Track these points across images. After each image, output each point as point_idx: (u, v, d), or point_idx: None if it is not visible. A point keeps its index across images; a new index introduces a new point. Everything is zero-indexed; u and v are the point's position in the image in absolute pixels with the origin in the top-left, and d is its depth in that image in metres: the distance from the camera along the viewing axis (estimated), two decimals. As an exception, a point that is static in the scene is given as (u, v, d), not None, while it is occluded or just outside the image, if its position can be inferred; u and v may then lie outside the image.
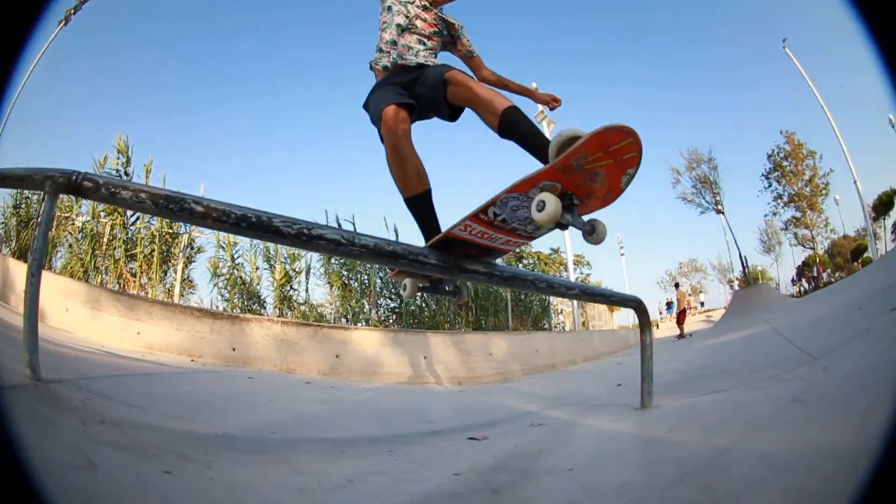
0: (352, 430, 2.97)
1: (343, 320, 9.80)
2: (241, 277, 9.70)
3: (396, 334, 7.85)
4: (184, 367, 5.27)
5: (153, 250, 9.24)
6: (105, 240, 8.96)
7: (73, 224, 9.14)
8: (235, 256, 9.93)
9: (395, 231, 11.13)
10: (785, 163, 36.04)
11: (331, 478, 1.78)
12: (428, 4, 3.02)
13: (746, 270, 27.49)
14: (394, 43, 2.85)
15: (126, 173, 9.77)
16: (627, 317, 37.60)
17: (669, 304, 12.45)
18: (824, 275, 33.76)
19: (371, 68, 2.99)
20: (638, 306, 3.55)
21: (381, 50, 2.91)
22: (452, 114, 2.72)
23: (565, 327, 14.24)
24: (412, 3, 2.97)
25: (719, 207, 29.84)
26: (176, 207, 1.61)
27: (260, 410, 3.35)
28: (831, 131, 24.31)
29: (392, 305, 10.58)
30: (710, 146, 37.48)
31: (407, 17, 2.90)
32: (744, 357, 5.93)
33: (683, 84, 68.55)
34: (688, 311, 21.71)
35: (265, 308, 9.74)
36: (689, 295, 45.90)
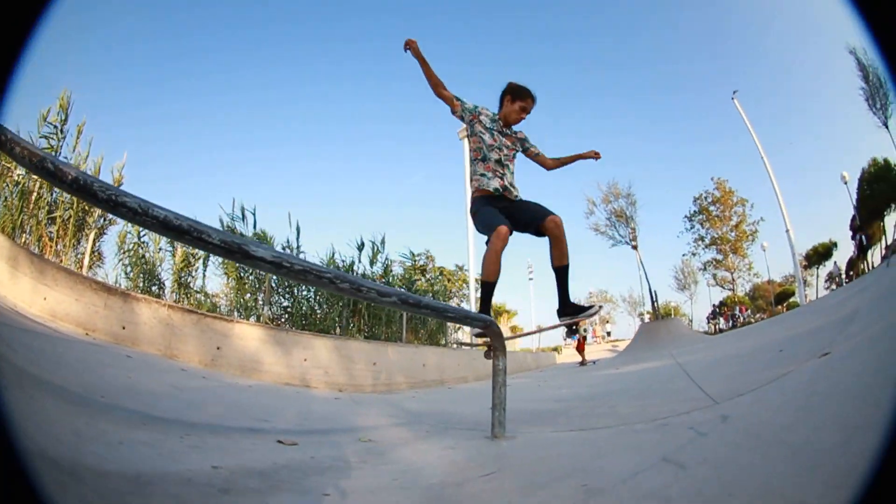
0: (177, 415, 3.00)
1: (235, 313, 9.40)
2: (144, 256, 9.22)
3: (279, 333, 7.51)
4: (71, 337, 5.21)
5: (71, 216, 8.85)
6: (33, 198, 8.60)
7: (12, 177, 8.66)
8: (142, 233, 9.66)
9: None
10: (712, 207, 37.77)
11: (99, 441, 1.89)
12: (505, 130, 4.06)
13: (656, 305, 28.41)
14: (497, 174, 3.90)
15: (62, 131, 9.45)
16: (532, 340, 38.46)
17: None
18: (744, 314, 35.24)
19: (471, 178, 4.01)
20: (488, 327, 3.31)
21: (485, 175, 3.89)
22: (538, 234, 3.79)
23: (461, 345, 14.20)
24: (497, 132, 4.00)
25: (634, 243, 30.91)
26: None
27: (108, 377, 3.51)
28: (773, 183, 25.92)
29: (285, 304, 10.26)
30: (630, 181, 39.07)
31: (499, 150, 3.95)
32: (636, 390, 5.76)
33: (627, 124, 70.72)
34: (588, 339, 22.22)
35: (163, 290, 9.52)
36: (595, 324, 47.44)
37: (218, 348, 6.57)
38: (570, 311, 3.84)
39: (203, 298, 9.73)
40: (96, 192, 1.49)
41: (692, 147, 65.25)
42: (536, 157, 4.21)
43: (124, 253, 9.41)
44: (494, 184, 3.84)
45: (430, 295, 14.70)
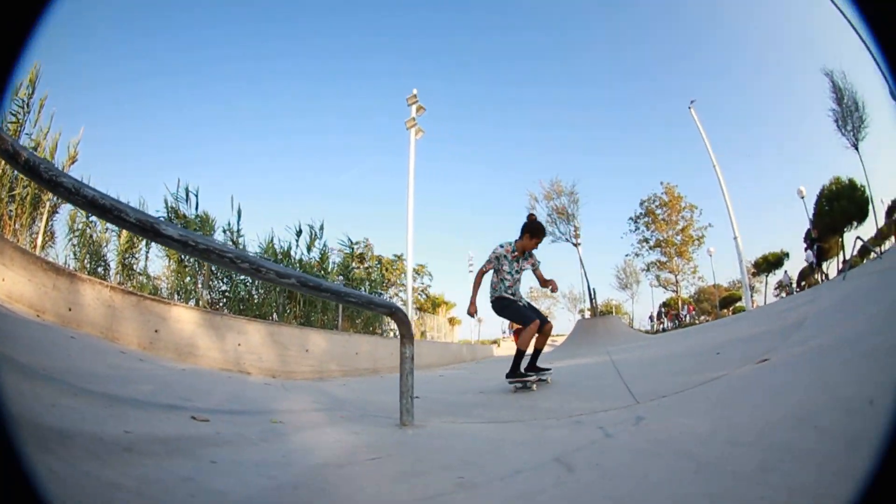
0: (107, 390, 3.08)
1: (175, 296, 9.33)
2: (91, 237, 9.09)
3: (214, 317, 7.41)
4: (25, 318, 5.24)
5: (28, 194, 8.58)
6: (-2, 175, 8.38)
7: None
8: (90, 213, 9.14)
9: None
10: (658, 211, 38.60)
11: (37, 402, 2.15)
12: (519, 257, 5.79)
13: (594, 302, 29.09)
14: (512, 286, 5.83)
15: (27, 105, 9.23)
16: (472, 332, 38.74)
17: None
18: (691, 314, 36.03)
19: (495, 287, 5.82)
20: (393, 313, 3.40)
21: (503, 284, 5.79)
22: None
23: (397, 335, 14.23)
24: (514, 260, 5.80)
25: (577, 241, 31.41)
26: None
27: (53, 356, 3.68)
28: (722, 190, 26.82)
29: (223, 288, 10.22)
30: (575, 180, 39.51)
31: (516, 273, 5.84)
32: (563, 385, 5.80)
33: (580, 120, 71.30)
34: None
35: (108, 272, 9.41)
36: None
37: (156, 331, 6.51)
38: (536, 370, 5.86)
39: (145, 280, 9.61)
40: (41, 174, 1.71)
41: (643, 156, 66.55)
42: (536, 272, 5.98)
43: (73, 233, 9.21)
44: (510, 292, 5.80)
45: (368, 283, 14.70)
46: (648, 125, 64.12)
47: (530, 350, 5.77)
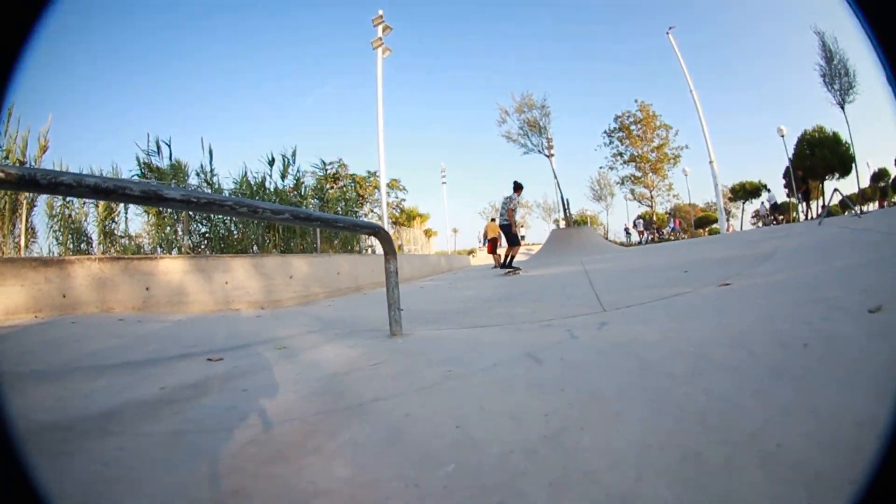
0: (124, 358, 3.48)
1: (158, 249, 9.43)
2: (70, 216, 9.00)
3: (199, 260, 7.60)
4: (26, 324, 5.36)
5: (6, 203, 8.15)
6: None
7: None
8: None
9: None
10: (633, 127, 38.44)
11: (87, 388, 2.62)
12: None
13: (568, 212, 29.31)
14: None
15: None
16: (445, 241, 39.11)
17: (486, 235, 13.37)
18: (675, 229, 36.58)
19: (512, 219, 10.97)
20: (377, 233, 3.70)
21: (503, 217, 11.13)
22: None
23: (375, 251, 14.41)
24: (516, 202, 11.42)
25: (549, 152, 31.27)
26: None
27: (62, 347, 4.00)
28: (699, 114, 27.11)
29: (203, 230, 10.32)
30: (546, 94, 38.82)
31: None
32: (535, 294, 6.11)
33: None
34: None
35: (91, 245, 9.32)
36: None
37: (147, 289, 6.78)
38: (509, 268, 11.26)
39: (127, 242, 9.56)
40: (39, 182, 1.79)
41: (619, 81, 65.80)
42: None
43: (53, 219, 8.97)
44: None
45: (343, 202, 14.79)
46: (625, 44, 63.50)
47: (510, 256, 11.49)
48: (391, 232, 18.44)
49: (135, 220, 11.98)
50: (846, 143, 23.59)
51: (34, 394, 2.55)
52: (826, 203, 13.01)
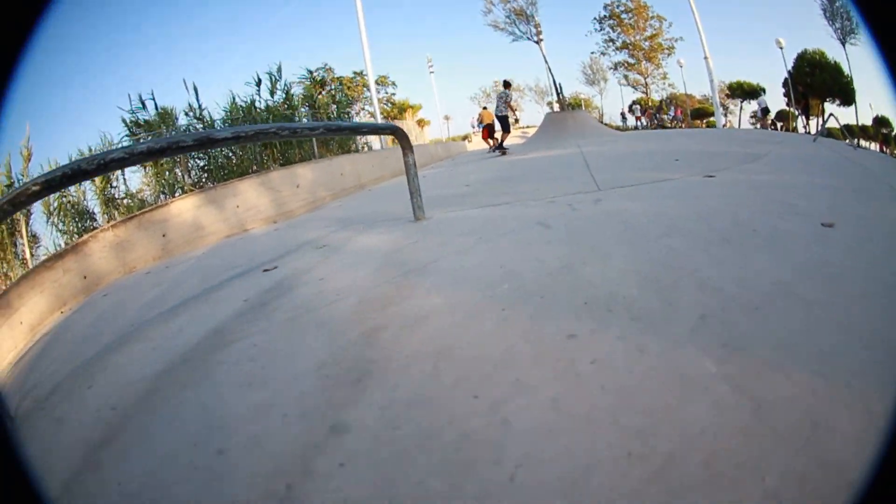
0: (181, 297, 3.61)
1: (162, 196, 9.57)
2: (69, 200, 9.00)
3: (207, 193, 7.74)
4: (52, 329, 5.24)
5: (3, 231, 8.06)
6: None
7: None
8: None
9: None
10: (624, 15, 36.58)
11: (170, 328, 2.81)
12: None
13: (562, 96, 28.64)
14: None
15: None
16: (441, 131, 38.42)
17: (481, 121, 13.39)
18: (678, 116, 35.52)
19: (510, 110, 13.36)
20: (394, 132, 4.20)
21: (500, 108, 13.06)
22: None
23: (372, 147, 14.46)
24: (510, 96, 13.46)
25: (538, 38, 30.18)
26: None
27: (107, 325, 3.82)
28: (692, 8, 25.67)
29: (202, 164, 10.48)
30: None
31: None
32: (536, 176, 6.41)
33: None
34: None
35: (97, 220, 9.19)
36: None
37: (164, 235, 6.91)
38: (501, 150, 13.12)
39: (130, 202, 9.46)
40: (86, 170, 1.93)
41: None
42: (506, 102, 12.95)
43: (52, 215, 8.84)
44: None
45: (334, 106, 15.00)
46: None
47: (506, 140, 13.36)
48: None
49: (132, 178, 12.04)
50: (848, 75, 22.24)
51: (131, 355, 2.56)
52: (824, 121, 12.96)
